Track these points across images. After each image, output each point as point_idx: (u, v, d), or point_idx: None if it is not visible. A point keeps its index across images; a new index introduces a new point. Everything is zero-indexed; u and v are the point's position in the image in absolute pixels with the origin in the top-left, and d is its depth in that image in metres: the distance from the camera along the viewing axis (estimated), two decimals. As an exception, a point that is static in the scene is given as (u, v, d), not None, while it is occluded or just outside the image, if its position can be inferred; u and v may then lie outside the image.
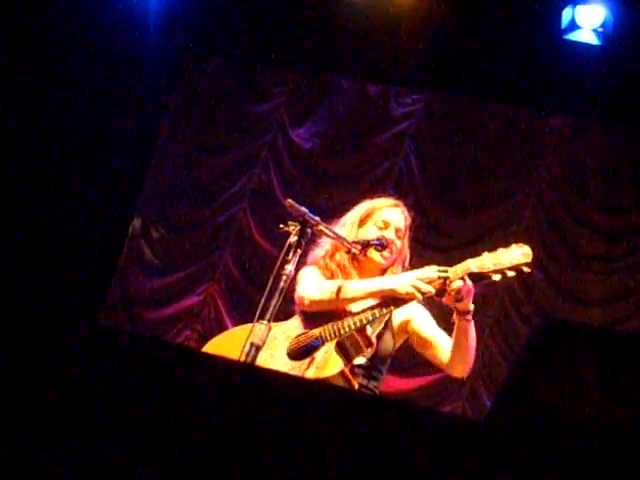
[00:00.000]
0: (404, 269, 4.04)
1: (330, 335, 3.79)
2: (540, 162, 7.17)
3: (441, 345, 3.91)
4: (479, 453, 1.32)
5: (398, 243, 4.05)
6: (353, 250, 3.91)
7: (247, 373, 1.67)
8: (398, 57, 7.42)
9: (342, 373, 3.74)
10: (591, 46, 6.73)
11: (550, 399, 1.41)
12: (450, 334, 3.85)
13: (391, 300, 3.76)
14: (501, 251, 3.65)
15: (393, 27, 7.25)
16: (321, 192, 7.55)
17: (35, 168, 7.58)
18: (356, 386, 3.78)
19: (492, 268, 3.62)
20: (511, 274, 3.63)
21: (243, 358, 3.43)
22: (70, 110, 7.70)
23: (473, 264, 3.64)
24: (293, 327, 3.96)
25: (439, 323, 3.97)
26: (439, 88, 7.56)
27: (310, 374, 3.75)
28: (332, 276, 4.04)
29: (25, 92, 7.50)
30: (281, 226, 3.71)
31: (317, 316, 3.90)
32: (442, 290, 3.67)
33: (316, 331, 3.85)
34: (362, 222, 4.12)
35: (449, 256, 7.00)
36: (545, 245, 6.98)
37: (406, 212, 4.16)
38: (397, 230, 4.06)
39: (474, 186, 7.28)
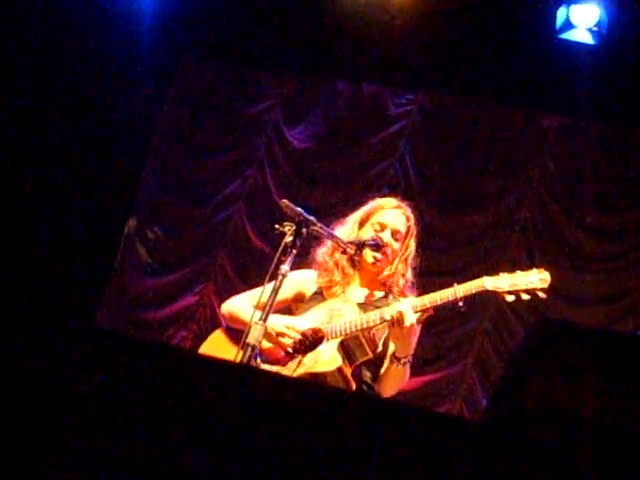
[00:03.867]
0: (407, 267, 4.05)
1: (335, 333, 3.81)
2: (535, 161, 7.17)
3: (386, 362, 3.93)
4: (475, 452, 1.32)
5: (395, 245, 4.04)
6: (348, 250, 3.92)
7: (244, 374, 1.67)
8: (393, 57, 7.42)
9: (340, 370, 3.76)
10: (586, 45, 6.73)
11: (545, 398, 1.41)
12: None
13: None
14: (519, 273, 3.69)
15: (388, 27, 7.25)
16: (316, 192, 7.55)
17: (30, 168, 7.57)
18: (354, 386, 3.78)
19: (507, 289, 3.64)
20: (525, 297, 3.63)
21: (239, 358, 3.44)
22: (66, 110, 7.70)
23: (489, 282, 3.66)
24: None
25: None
26: (434, 88, 7.56)
27: (308, 367, 3.78)
28: (330, 276, 4.06)
29: (20, 92, 7.49)
30: (276, 226, 3.72)
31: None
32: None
33: (323, 327, 3.87)
34: (362, 223, 4.14)
35: (444, 256, 7.03)
36: (540, 244, 6.99)
37: (409, 213, 4.16)
38: (394, 232, 4.06)
39: (469, 186, 7.27)
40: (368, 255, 3.99)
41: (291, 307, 4.15)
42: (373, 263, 4.00)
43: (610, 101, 6.84)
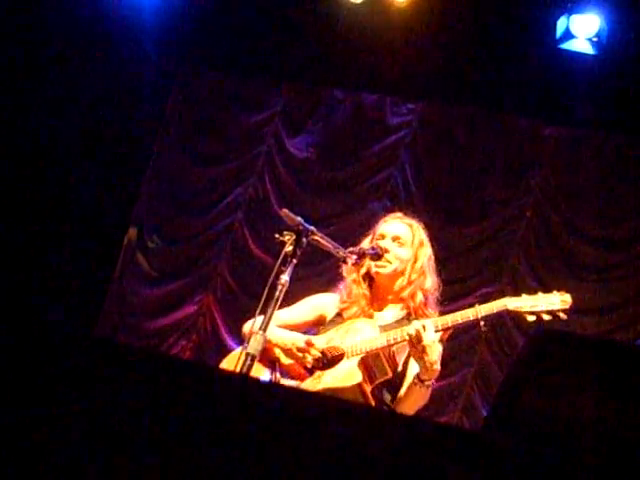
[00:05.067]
0: (424, 279, 4.03)
1: (355, 351, 3.81)
2: (535, 171, 7.16)
3: (406, 383, 3.91)
4: (475, 463, 1.32)
5: (399, 251, 4.02)
6: (348, 260, 3.91)
7: (245, 385, 1.66)
8: (393, 67, 7.42)
9: (360, 386, 3.75)
10: (586, 55, 6.74)
11: (544, 409, 1.40)
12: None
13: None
14: (540, 295, 3.70)
15: (388, 37, 7.26)
16: (317, 202, 7.55)
17: (30, 178, 7.57)
18: (373, 404, 3.78)
19: (528, 310, 3.65)
20: (547, 317, 3.67)
21: (239, 368, 3.44)
22: (66, 120, 7.70)
23: (511, 303, 3.67)
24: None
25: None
26: (434, 98, 7.56)
27: (327, 383, 3.78)
28: (349, 295, 4.06)
29: (20, 100, 7.50)
30: (276, 236, 3.72)
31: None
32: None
33: (343, 345, 3.86)
34: (370, 241, 4.13)
35: (445, 266, 7.01)
36: (540, 254, 6.99)
37: (413, 222, 4.15)
38: (394, 238, 4.04)
39: (470, 196, 7.28)
40: (371, 266, 3.99)
41: (312, 330, 4.14)
42: (376, 273, 4.00)
43: (610, 111, 6.84)
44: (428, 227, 4.24)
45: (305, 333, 4.11)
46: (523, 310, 3.66)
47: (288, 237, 3.68)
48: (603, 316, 6.68)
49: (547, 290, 3.76)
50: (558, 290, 3.74)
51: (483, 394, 6.80)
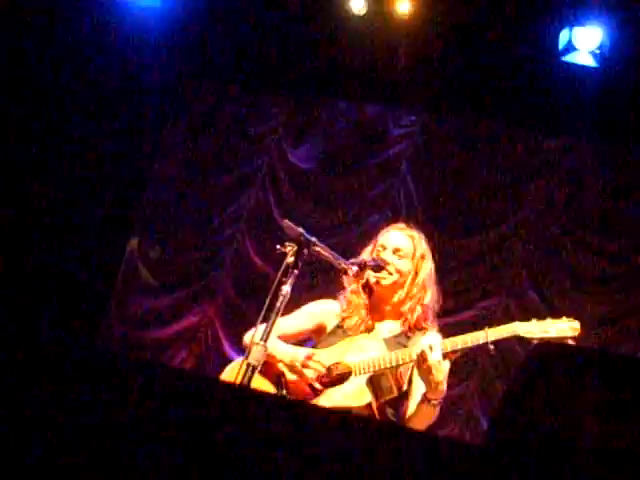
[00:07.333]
0: (424, 293, 4.01)
1: (363, 369, 3.79)
2: (537, 183, 7.17)
3: (412, 401, 3.89)
4: (476, 476, 1.32)
5: (399, 263, 4.00)
6: (349, 271, 3.90)
7: (244, 395, 1.66)
8: (395, 79, 7.44)
9: (369, 406, 3.74)
10: (588, 68, 6.75)
11: (546, 421, 1.40)
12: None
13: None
14: (549, 321, 3.72)
15: (391, 48, 7.28)
16: (318, 213, 7.55)
17: (31, 187, 7.58)
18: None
19: (538, 335, 3.65)
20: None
21: (239, 379, 3.43)
22: (68, 130, 7.71)
23: (520, 328, 3.67)
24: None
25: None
26: (437, 109, 7.57)
27: (335, 402, 3.76)
28: (350, 306, 4.04)
29: (20, 107, 7.51)
30: (278, 247, 3.71)
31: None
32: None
33: (350, 363, 3.84)
34: (371, 251, 4.12)
35: (446, 277, 7.01)
36: (542, 266, 6.98)
37: (415, 234, 4.13)
38: (395, 250, 4.03)
39: (471, 207, 7.27)
40: (370, 276, 3.98)
41: (312, 339, 4.13)
42: (376, 283, 3.98)
43: (612, 123, 6.85)
44: (430, 239, 4.22)
45: (304, 342, 4.09)
46: (533, 336, 3.65)
47: (289, 248, 3.67)
48: (605, 328, 6.67)
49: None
50: (567, 315, 3.75)
51: (484, 407, 6.78)
